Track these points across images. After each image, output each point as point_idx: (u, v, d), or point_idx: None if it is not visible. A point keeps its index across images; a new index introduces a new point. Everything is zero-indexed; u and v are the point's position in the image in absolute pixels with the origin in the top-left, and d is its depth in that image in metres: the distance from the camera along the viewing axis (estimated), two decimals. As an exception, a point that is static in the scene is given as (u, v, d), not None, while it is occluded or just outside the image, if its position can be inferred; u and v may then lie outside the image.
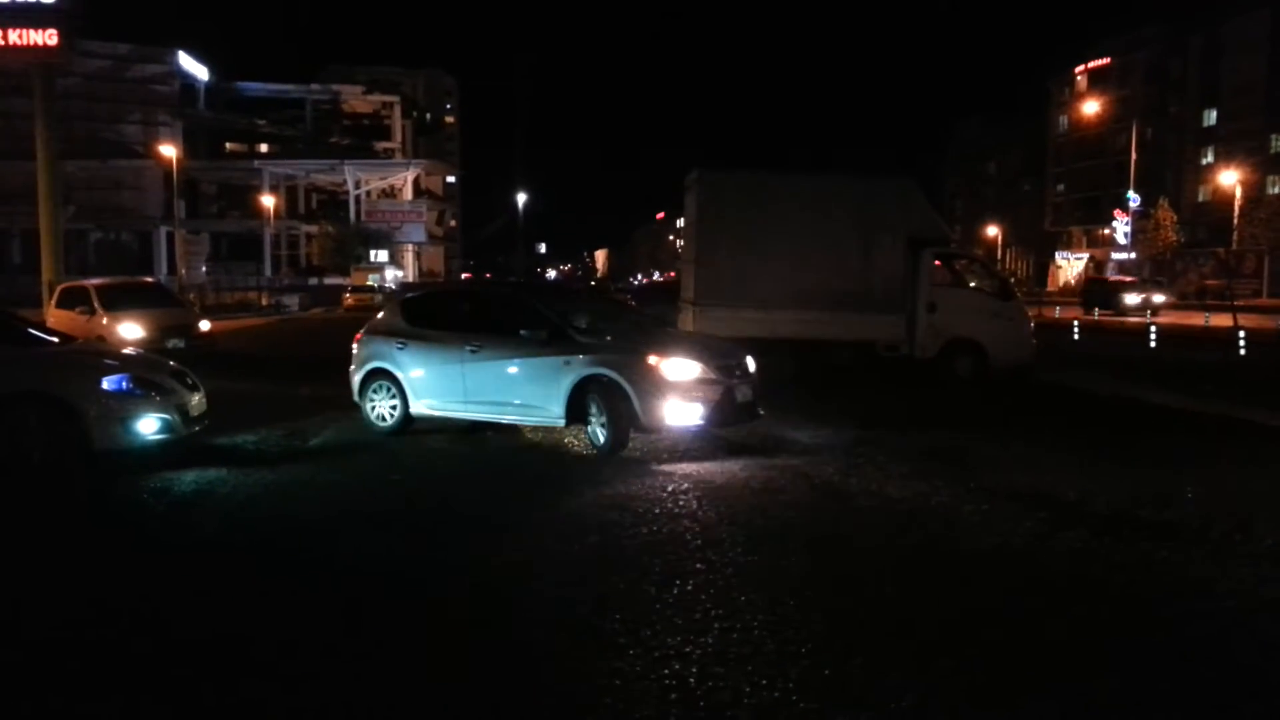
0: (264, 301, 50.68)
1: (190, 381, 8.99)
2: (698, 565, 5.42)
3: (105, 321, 16.77)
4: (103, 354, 9.87)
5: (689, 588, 5.02)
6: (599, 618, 4.57)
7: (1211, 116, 74.59)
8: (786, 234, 14.50)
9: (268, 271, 62.33)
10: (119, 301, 17.53)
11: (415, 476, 8.12)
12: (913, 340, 14.67)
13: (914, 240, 14.75)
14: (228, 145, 73.83)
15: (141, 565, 5.65)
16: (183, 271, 51.98)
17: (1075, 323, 28.40)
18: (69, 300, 18.09)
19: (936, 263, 15.22)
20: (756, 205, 14.76)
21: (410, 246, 70.31)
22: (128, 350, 11.07)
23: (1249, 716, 3.71)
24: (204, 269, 61.14)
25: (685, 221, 17.18)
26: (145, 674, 4.03)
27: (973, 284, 16.03)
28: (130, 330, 16.59)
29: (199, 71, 68.39)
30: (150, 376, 8.63)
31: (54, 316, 17.92)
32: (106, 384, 8.25)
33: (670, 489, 7.35)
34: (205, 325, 18.61)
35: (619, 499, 7.04)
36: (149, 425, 8.25)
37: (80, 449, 7.96)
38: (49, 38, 29.70)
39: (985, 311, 14.96)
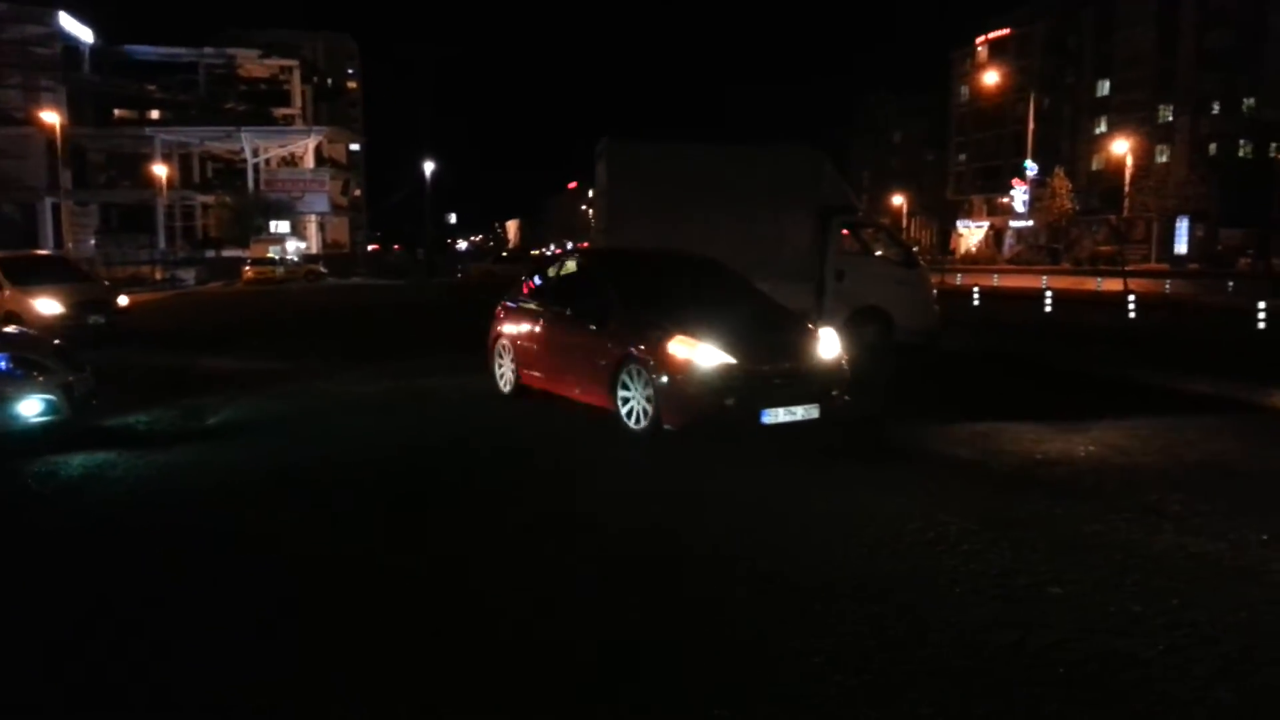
0: (158, 275, 48.72)
1: (76, 360, 8.57)
2: None
3: (12, 295, 15.86)
4: (-21, 333, 9.32)
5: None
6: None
7: (1104, 87, 77.28)
8: (697, 204, 14.49)
9: (161, 244, 59.86)
10: (26, 276, 16.64)
11: (320, 457, 7.87)
12: (821, 308, 14.85)
13: (823, 210, 14.90)
14: (116, 112, 70.30)
15: (24, 553, 5.37)
16: (70, 245, 49.68)
17: (975, 289, 29.21)
18: None
19: (845, 232, 15.41)
20: (667, 175, 14.70)
21: (313, 217, 68.24)
22: (8, 329, 10.52)
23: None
24: (93, 242, 58.58)
25: (595, 191, 17.04)
26: (27, 662, 3.82)
27: (879, 252, 16.28)
28: (47, 306, 15.81)
29: (83, 33, 64.85)
30: (31, 356, 8.20)
31: None
32: (-17, 364, 7.80)
33: None
34: (124, 300, 17.96)
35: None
36: (31, 407, 7.84)
37: (-45, 434, 7.52)
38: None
39: (891, 280, 15.20)
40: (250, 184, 64.42)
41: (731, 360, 7.63)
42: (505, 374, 10.30)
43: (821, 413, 7.85)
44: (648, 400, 7.83)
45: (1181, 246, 66.10)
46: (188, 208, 67.67)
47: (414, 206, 69.81)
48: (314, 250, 66.13)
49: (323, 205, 67.11)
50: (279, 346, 16.76)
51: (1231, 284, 31.65)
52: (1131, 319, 19.99)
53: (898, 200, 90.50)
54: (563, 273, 10.34)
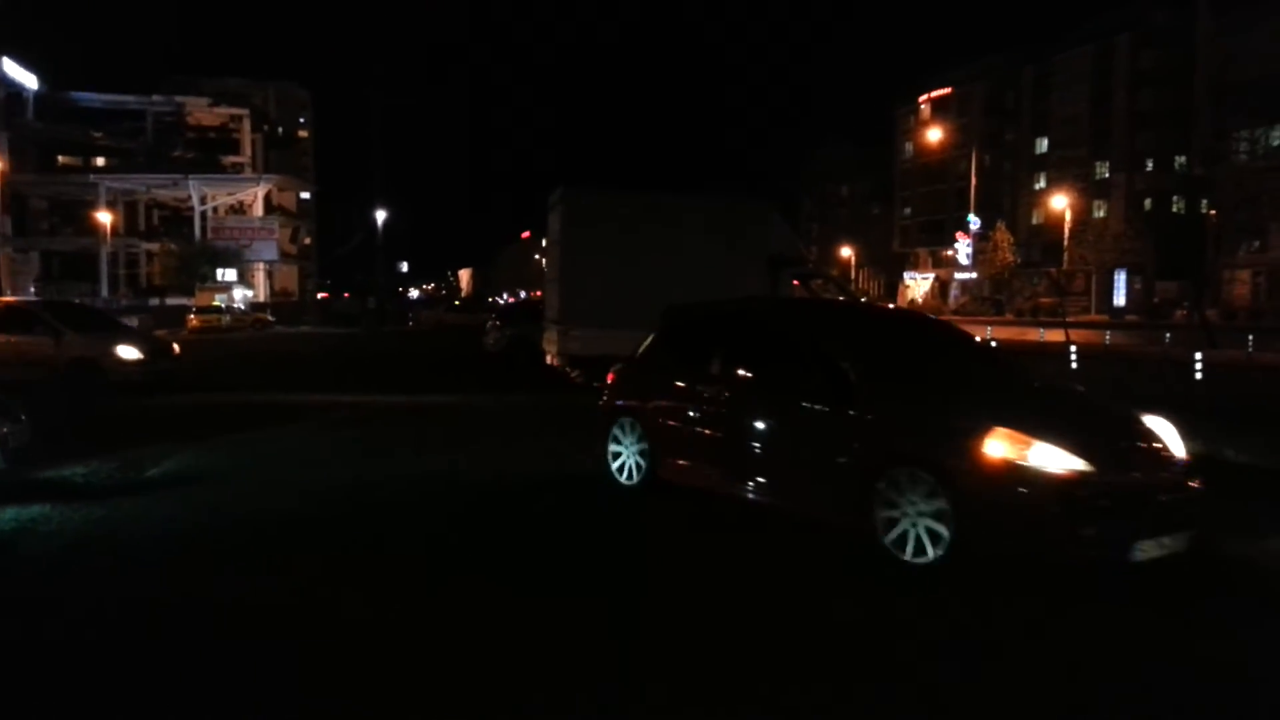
0: (100, 324, 47.70)
1: (10, 409, 8.30)
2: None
3: (85, 341, 15.68)
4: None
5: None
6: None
7: (1043, 144, 79.74)
8: (649, 254, 14.58)
9: (104, 292, 58.81)
10: (81, 324, 16.53)
11: (263, 511, 7.66)
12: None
13: (773, 261, 15.08)
14: (60, 158, 69.32)
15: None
16: (9, 292, 48.49)
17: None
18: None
19: (795, 282, 15.62)
20: (619, 225, 14.80)
21: (261, 265, 67.52)
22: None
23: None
24: (33, 289, 57.24)
25: (549, 241, 17.10)
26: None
27: (829, 302, 16.44)
28: (129, 352, 15.87)
29: (26, 79, 63.93)
30: (-37, 406, 7.94)
31: None
32: (-89, 415, 7.54)
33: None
34: (176, 347, 18.20)
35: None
36: (-39, 460, 7.57)
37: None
38: None
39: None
40: (197, 231, 63.67)
41: (1087, 467, 5.30)
42: (627, 459, 7.69)
43: (1189, 543, 5.51)
44: (938, 521, 5.43)
45: (1120, 298, 67.95)
46: (132, 255, 66.69)
47: (365, 254, 69.38)
48: (262, 298, 65.35)
49: (271, 253, 66.48)
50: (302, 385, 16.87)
51: (1169, 335, 32.45)
52: (1075, 369, 20.40)
53: (846, 252, 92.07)
54: (725, 325, 7.54)
